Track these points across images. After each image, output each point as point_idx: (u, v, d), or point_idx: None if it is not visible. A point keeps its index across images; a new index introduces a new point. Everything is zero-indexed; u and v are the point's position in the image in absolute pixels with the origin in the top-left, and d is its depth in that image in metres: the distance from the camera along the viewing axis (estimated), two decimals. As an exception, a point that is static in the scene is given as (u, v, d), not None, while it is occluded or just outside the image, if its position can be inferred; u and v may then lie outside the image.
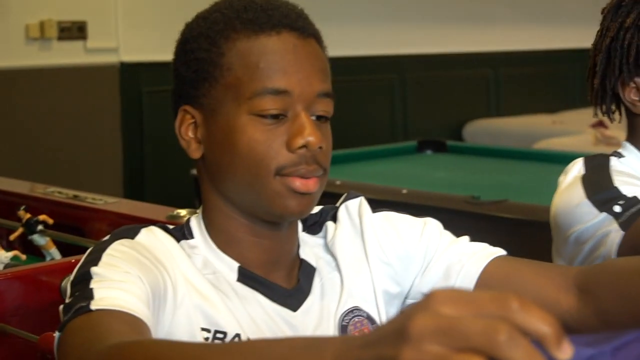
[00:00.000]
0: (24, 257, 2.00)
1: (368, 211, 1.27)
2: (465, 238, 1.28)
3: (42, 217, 2.14)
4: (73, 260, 1.78)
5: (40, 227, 2.13)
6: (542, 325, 0.58)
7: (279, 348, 0.71)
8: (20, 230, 2.14)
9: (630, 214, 1.44)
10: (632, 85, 1.58)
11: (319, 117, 1.15)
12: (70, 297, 1.01)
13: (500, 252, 1.25)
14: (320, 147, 1.12)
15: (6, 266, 1.94)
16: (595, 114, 1.68)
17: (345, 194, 1.30)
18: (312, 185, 1.13)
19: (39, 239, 2.13)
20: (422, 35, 6.77)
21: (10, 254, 1.97)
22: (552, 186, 4.54)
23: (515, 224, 3.12)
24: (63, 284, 1.75)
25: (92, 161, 5.10)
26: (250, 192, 1.13)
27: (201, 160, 1.18)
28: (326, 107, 1.15)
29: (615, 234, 1.45)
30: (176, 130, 1.18)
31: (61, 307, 1.02)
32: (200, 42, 1.15)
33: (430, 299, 0.60)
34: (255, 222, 1.17)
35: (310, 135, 1.11)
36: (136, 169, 5.30)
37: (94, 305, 0.96)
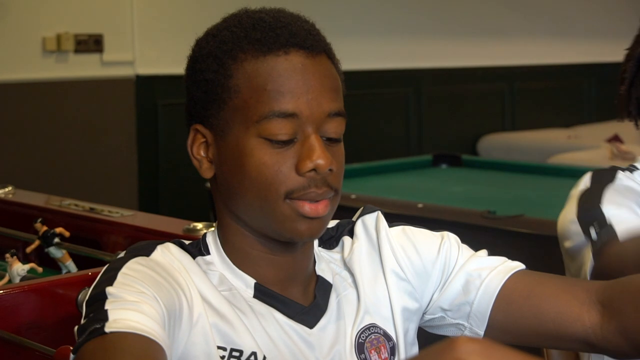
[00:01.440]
0: (40, 269, 2.00)
1: (385, 226, 1.26)
2: (484, 252, 1.27)
3: (58, 229, 2.14)
4: (90, 273, 1.78)
5: (56, 239, 2.13)
6: None
7: None
8: (36, 242, 2.15)
9: (601, 244, 1.44)
10: None
11: (329, 140, 1.12)
12: (85, 317, 1.00)
13: (520, 266, 1.24)
14: (331, 170, 1.10)
15: (23, 279, 1.94)
16: (619, 119, 1.67)
17: (362, 208, 1.28)
18: (321, 209, 1.11)
19: (55, 252, 2.13)
20: (437, 49, 6.76)
21: (27, 266, 1.97)
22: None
23: (531, 239, 3.10)
24: (80, 297, 1.75)
25: (107, 174, 5.11)
26: (260, 214, 1.12)
27: (213, 179, 1.17)
28: (337, 127, 1.13)
29: (588, 261, 1.45)
30: (188, 148, 1.17)
31: (76, 328, 1.01)
32: (208, 62, 1.13)
33: (456, 347, 0.60)
34: (269, 241, 1.15)
35: (320, 158, 1.09)
36: (151, 182, 5.31)
37: (108, 328, 0.95)
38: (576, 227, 1.51)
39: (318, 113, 1.10)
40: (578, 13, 7.81)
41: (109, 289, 1.00)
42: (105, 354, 0.92)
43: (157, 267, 1.07)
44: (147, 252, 1.10)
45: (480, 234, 3.10)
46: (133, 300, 0.99)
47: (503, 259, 1.25)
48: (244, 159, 1.10)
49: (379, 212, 1.27)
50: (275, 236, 1.14)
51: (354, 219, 1.28)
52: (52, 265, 2.16)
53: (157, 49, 5.28)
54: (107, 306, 0.98)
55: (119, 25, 5.12)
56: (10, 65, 4.77)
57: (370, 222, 1.26)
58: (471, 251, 1.27)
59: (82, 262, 2.15)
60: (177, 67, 5.94)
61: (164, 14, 5.35)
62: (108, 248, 2.23)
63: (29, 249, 2.17)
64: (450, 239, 1.26)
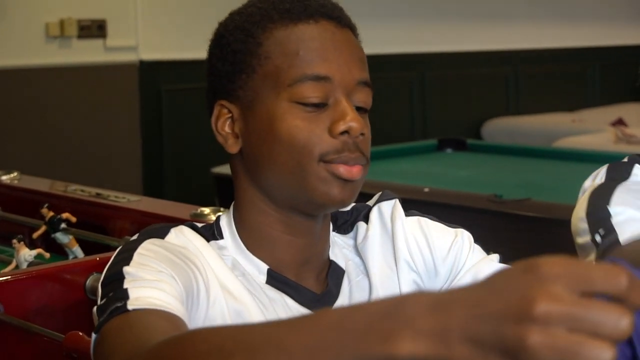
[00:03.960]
0: (47, 255, 1.99)
1: (401, 215, 1.23)
2: (495, 257, 1.25)
3: (65, 215, 2.14)
4: (98, 259, 1.78)
5: (63, 225, 2.12)
6: None
7: (358, 317, 0.65)
8: (43, 228, 2.14)
9: (604, 249, 1.43)
10: None
11: (357, 109, 1.13)
12: (104, 298, 0.98)
13: None
14: (363, 134, 1.11)
15: (30, 264, 1.93)
16: None
17: (380, 193, 1.26)
18: (356, 172, 1.10)
19: (62, 237, 2.12)
20: (441, 33, 6.74)
21: (34, 252, 1.96)
22: (574, 184, 4.48)
23: (538, 223, 3.09)
24: (88, 282, 1.75)
25: (111, 159, 5.11)
26: (291, 182, 1.11)
27: (238, 155, 1.16)
28: (366, 97, 1.14)
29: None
30: (212, 125, 1.16)
31: (94, 308, 1.00)
32: (236, 34, 1.14)
33: (541, 272, 0.59)
34: (290, 218, 1.14)
35: (353, 121, 1.09)
36: (155, 167, 5.30)
37: (130, 305, 0.94)
38: (583, 226, 1.50)
39: (349, 79, 1.11)
40: (582, -4, 7.79)
41: (126, 269, 1.00)
42: (132, 330, 0.91)
43: (172, 248, 1.07)
44: (162, 234, 1.10)
45: (486, 218, 3.09)
46: (152, 279, 0.98)
47: None
48: (275, 124, 1.10)
49: (397, 200, 1.25)
50: (304, 205, 1.12)
51: (370, 203, 1.26)
52: (58, 251, 2.15)
53: (160, 34, 5.27)
54: (126, 285, 0.97)
55: (122, 10, 5.10)
56: (14, 51, 4.76)
57: (386, 210, 1.24)
58: (483, 253, 1.25)
59: (88, 247, 2.14)
60: (181, 52, 5.94)
61: (167, -1, 5.33)
62: (114, 233, 2.22)
63: (35, 235, 2.17)
64: (464, 237, 1.24)
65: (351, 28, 1.17)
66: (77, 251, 2.13)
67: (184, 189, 5.25)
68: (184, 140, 5.30)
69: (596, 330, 0.57)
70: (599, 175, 1.55)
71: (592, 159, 4.66)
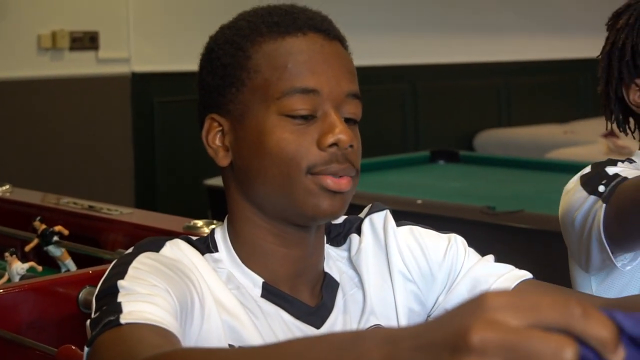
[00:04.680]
0: (40, 268, 1.98)
1: (393, 225, 1.24)
2: (491, 257, 1.25)
3: (57, 228, 2.13)
4: (90, 272, 1.77)
5: (55, 238, 2.11)
6: (603, 331, 0.56)
7: (318, 348, 0.67)
8: (35, 241, 2.13)
9: (611, 187, 1.44)
10: (635, 87, 1.58)
11: (347, 120, 1.13)
12: (97, 311, 0.98)
13: (527, 275, 1.23)
14: (352, 146, 1.11)
15: (22, 277, 1.92)
16: (606, 127, 1.67)
17: (370, 205, 1.27)
18: (344, 184, 1.10)
19: (54, 250, 2.11)
20: (433, 45, 6.75)
21: (27, 265, 1.95)
22: (567, 196, 4.40)
23: (531, 234, 3.09)
24: (81, 295, 1.74)
25: (103, 171, 5.10)
26: (281, 194, 1.11)
27: (229, 167, 1.16)
28: (355, 109, 1.14)
29: (600, 210, 1.44)
30: (203, 139, 1.16)
31: (88, 322, 0.99)
32: (226, 48, 1.14)
33: (484, 303, 0.57)
34: (282, 230, 1.14)
35: (341, 133, 1.10)
36: (147, 180, 5.29)
37: (123, 319, 0.93)
38: (579, 194, 1.51)
39: (337, 91, 1.12)
40: (573, 8, 7.82)
41: (120, 282, 0.99)
42: (124, 344, 0.90)
43: (167, 262, 1.06)
44: (156, 247, 1.09)
45: (480, 230, 3.09)
46: (146, 293, 0.97)
47: (510, 267, 1.23)
48: (264, 137, 1.10)
49: (387, 211, 1.25)
50: (295, 217, 1.12)
51: (361, 215, 1.26)
52: (51, 264, 2.14)
53: (152, 46, 5.27)
54: (120, 299, 0.96)
55: (115, 22, 5.10)
56: (6, 63, 4.75)
57: (378, 221, 1.24)
58: (478, 255, 1.25)
59: (80, 260, 2.13)
60: (173, 64, 5.92)
61: (159, 11, 5.33)
62: (107, 246, 2.21)
63: (27, 248, 2.15)
64: (457, 241, 1.24)
65: (340, 40, 1.17)
66: (70, 264, 2.12)
67: (177, 201, 5.24)
68: (177, 152, 5.30)
69: None
70: (581, 172, 1.56)
71: (584, 170, 4.67)
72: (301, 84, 1.10)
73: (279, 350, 0.71)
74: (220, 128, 1.15)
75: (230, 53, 1.13)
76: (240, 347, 0.77)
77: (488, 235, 3.05)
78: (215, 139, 1.16)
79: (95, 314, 0.98)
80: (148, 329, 0.92)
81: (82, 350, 1.42)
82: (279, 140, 1.09)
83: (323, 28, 1.14)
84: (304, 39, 1.12)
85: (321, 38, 1.13)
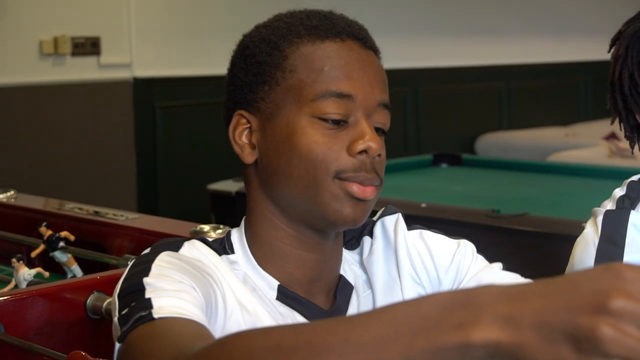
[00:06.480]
0: (47, 274, 1.97)
1: (403, 229, 1.24)
2: (499, 265, 1.25)
3: (63, 233, 2.12)
4: (99, 277, 1.76)
5: (62, 243, 2.11)
6: None
7: (426, 308, 0.66)
8: (41, 247, 2.12)
9: None
10: None
11: (376, 130, 1.14)
12: (125, 308, 0.97)
13: None
14: (380, 155, 1.12)
15: (29, 283, 1.92)
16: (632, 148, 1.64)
17: (384, 209, 1.27)
18: (369, 192, 1.11)
19: (60, 256, 2.11)
20: (434, 48, 6.75)
21: (34, 271, 1.95)
22: (569, 199, 4.48)
23: (536, 237, 3.09)
24: (89, 301, 1.73)
25: (105, 177, 5.09)
26: (305, 197, 1.11)
27: (253, 166, 1.16)
28: (385, 119, 1.15)
29: None
30: (230, 135, 1.17)
31: (115, 319, 0.99)
32: (262, 46, 1.14)
33: (618, 275, 0.60)
34: (302, 233, 1.15)
35: (372, 141, 1.10)
36: (149, 185, 5.29)
37: (156, 314, 0.93)
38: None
39: (370, 99, 1.13)
40: (574, 11, 7.82)
41: (146, 279, 0.99)
42: (163, 337, 0.89)
43: (188, 261, 1.06)
44: (175, 247, 1.09)
45: (485, 233, 3.08)
46: (174, 289, 0.97)
47: (516, 275, 1.23)
48: (294, 137, 1.10)
49: (400, 214, 1.25)
50: (316, 221, 1.13)
51: (374, 218, 1.26)
52: (57, 270, 2.13)
53: (154, 51, 5.26)
54: (148, 295, 0.96)
55: (116, 27, 5.10)
56: (8, 69, 4.75)
57: (389, 224, 1.24)
58: (486, 262, 1.25)
59: (86, 265, 2.12)
60: (175, 69, 5.91)
61: (160, 16, 5.33)
62: (113, 251, 2.20)
63: (34, 254, 2.15)
64: (466, 247, 1.24)
65: (375, 51, 1.18)
66: (76, 270, 2.11)
67: (178, 206, 5.24)
68: (178, 157, 5.29)
69: None
70: (598, 225, 1.51)
71: (587, 173, 4.67)
72: (337, 88, 1.10)
73: (379, 316, 0.69)
74: (248, 125, 1.15)
75: (266, 51, 1.14)
76: (327, 319, 0.74)
77: (493, 239, 3.04)
78: (242, 135, 1.16)
79: (122, 311, 0.97)
80: (184, 322, 0.92)
81: (92, 355, 1.42)
82: (309, 142, 1.10)
83: (360, 36, 1.15)
84: (342, 44, 1.13)
85: (358, 46, 1.14)
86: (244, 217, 1.19)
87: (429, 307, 0.65)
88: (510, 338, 0.61)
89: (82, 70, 4.98)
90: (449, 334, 0.63)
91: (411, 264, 1.22)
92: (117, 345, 0.95)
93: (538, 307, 0.61)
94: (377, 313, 0.70)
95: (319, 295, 1.17)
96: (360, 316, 0.70)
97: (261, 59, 1.14)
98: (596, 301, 0.59)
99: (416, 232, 1.24)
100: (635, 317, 0.58)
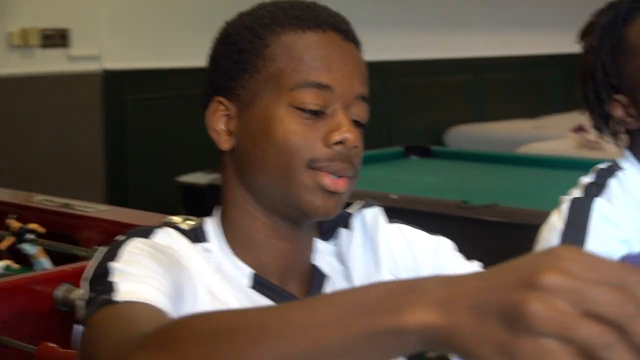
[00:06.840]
0: (17, 266, 1.97)
1: (383, 223, 1.24)
2: (478, 264, 1.25)
3: (33, 225, 2.11)
4: (69, 269, 1.76)
5: (31, 236, 2.10)
6: None
7: (373, 292, 0.65)
8: (12, 239, 2.11)
9: None
10: (616, 103, 1.56)
11: (354, 122, 1.14)
12: (92, 292, 0.98)
13: None
14: (356, 147, 1.12)
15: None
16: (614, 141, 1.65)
17: (364, 202, 1.27)
18: (341, 185, 1.11)
19: (29, 248, 2.10)
20: (405, 41, 6.77)
21: (2, 263, 1.94)
22: (538, 189, 4.52)
23: (505, 228, 3.12)
24: (58, 293, 1.73)
25: (74, 169, 5.06)
26: (278, 186, 1.12)
27: (229, 153, 1.16)
28: (363, 112, 1.15)
29: None
30: (206, 121, 1.17)
31: (82, 302, 0.99)
32: (243, 34, 1.15)
33: (555, 255, 0.59)
34: (276, 222, 1.15)
35: (348, 132, 1.11)
36: (119, 177, 5.27)
37: (119, 297, 0.93)
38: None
39: (349, 91, 1.13)
40: (543, 4, 7.87)
41: (114, 264, 0.99)
42: (122, 320, 0.89)
43: (160, 248, 1.06)
44: (147, 234, 1.09)
45: (455, 224, 3.10)
46: (141, 275, 0.97)
47: None
48: (271, 126, 1.11)
49: (380, 207, 1.25)
50: (289, 210, 1.13)
51: (350, 210, 1.26)
52: (26, 263, 2.12)
53: (124, 43, 5.24)
54: (114, 279, 0.96)
55: (86, 19, 5.06)
56: (-24, 61, 4.70)
57: (369, 217, 1.24)
58: (465, 260, 1.25)
59: (55, 257, 2.12)
60: (145, 61, 5.87)
61: (131, 7, 5.30)
62: (83, 243, 2.20)
63: (2, 246, 2.14)
64: (445, 244, 1.24)
65: (356, 43, 1.19)
66: (45, 262, 2.10)
67: (148, 199, 5.21)
68: (148, 150, 5.27)
69: (594, 309, 0.57)
70: (562, 212, 1.53)
71: (556, 164, 4.72)
72: (315, 78, 1.11)
73: (324, 300, 0.69)
74: (227, 112, 1.16)
75: (247, 39, 1.14)
76: (274, 305, 0.74)
77: (463, 229, 3.07)
78: (219, 122, 1.16)
79: (89, 294, 0.98)
80: (144, 307, 0.92)
81: (62, 347, 1.42)
82: (286, 130, 1.10)
83: (342, 28, 1.16)
84: (323, 35, 1.13)
85: (339, 37, 1.15)
86: (220, 206, 1.19)
87: (373, 293, 0.65)
88: (444, 321, 0.60)
89: (51, 62, 4.94)
90: (383, 317, 0.63)
91: (391, 258, 1.22)
92: (80, 328, 0.95)
93: (474, 288, 0.60)
94: (329, 297, 0.70)
95: (292, 284, 1.17)
96: (313, 299, 0.70)
97: (242, 47, 1.14)
98: (528, 277, 0.58)
99: (396, 227, 1.25)
100: (568, 293, 0.57)
